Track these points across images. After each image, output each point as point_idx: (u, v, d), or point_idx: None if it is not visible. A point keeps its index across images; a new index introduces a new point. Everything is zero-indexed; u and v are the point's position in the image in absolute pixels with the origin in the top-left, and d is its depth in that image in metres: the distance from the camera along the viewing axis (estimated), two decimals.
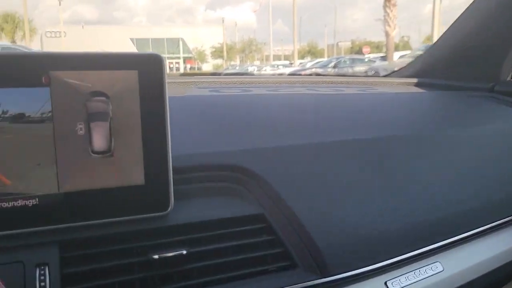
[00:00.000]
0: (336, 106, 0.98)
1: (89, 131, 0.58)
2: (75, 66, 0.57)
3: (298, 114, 0.85)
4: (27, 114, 0.55)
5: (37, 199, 0.56)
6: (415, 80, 1.40)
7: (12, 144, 0.55)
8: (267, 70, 26.93)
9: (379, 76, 1.98)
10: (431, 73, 1.44)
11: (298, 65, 27.07)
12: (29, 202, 0.56)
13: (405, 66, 1.59)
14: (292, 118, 0.83)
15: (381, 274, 0.69)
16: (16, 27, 43.96)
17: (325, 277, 0.64)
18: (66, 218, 0.58)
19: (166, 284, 0.60)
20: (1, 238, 0.55)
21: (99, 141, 0.58)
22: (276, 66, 28.97)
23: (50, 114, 0.56)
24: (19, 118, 0.55)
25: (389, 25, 18.32)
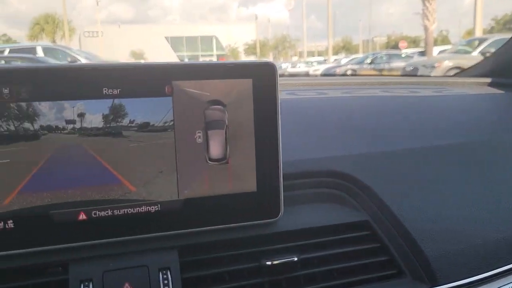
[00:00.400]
0: (421, 109, 0.96)
1: (206, 139, 0.59)
2: (195, 76, 0.58)
3: (388, 117, 0.84)
4: (151, 123, 0.57)
5: (159, 205, 0.58)
6: (488, 79, 1.36)
7: (137, 152, 0.57)
8: (301, 67, 26.77)
9: (449, 76, 1.93)
10: (504, 72, 1.39)
11: (333, 62, 26.77)
12: (152, 208, 0.58)
13: (473, 66, 1.54)
14: (385, 122, 0.82)
15: (487, 283, 0.67)
16: (56, 27, 45.41)
17: (434, 287, 0.63)
18: (184, 224, 0.59)
19: None
20: (127, 243, 0.57)
21: (216, 149, 0.59)
22: (310, 62, 28.73)
23: (172, 123, 0.57)
24: (144, 127, 0.57)
25: (427, 19, 17.84)
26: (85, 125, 0.55)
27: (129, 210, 0.57)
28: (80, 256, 0.56)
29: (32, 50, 11.47)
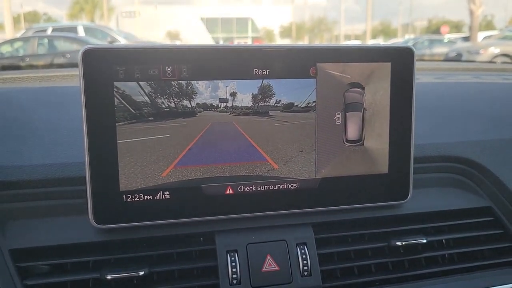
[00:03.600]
0: None
1: (345, 121, 0.60)
2: (337, 59, 0.59)
3: (501, 104, 0.83)
4: (295, 104, 0.59)
5: (298, 183, 0.60)
6: None
7: (281, 132, 0.59)
8: None
9: None
10: None
11: None
12: (291, 186, 0.60)
13: None
14: (500, 108, 0.81)
15: None
16: (95, 7, 46.14)
17: None
18: (320, 202, 0.61)
19: (401, 271, 0.63)
20: (267, 218, 0.60)
21: (353, 130, 0.61)
22: None
23: (314, 103, 0.59)
24: (289, 107, 0.59)
25: (474, 3, 17.12)
26: (236, 104, 0.57)
27: (271, 187, 0.59)
28: (226, 228, 0.59)
29: (74, 29, 11.70)
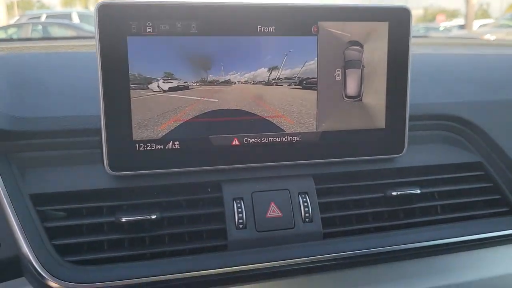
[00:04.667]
0: None
1: (344, 77, 0.64)
2: (338, 17, 0.62)
3: (495, 71, 0.86)
4: (297, 60, 0.62)
5: (299, 136, 0.64)
6: None
7: (284, 87, 0.62)
8: None
9: None
10: None
11: None
12: (294, 138, 0.63)
13: None
14: (494, 75, 0.84)
15: None
16: None
17: None
18: (320, 154, 0.65)
19: (395, 220, 0.67)
20: (271, 168, 0.64)
21: (352, 86, 0.64)
22: None
23: (315, 60, 0.62)
24: (291, 64, 0.62)
25: None
26: (240, 62, 0.60)
27: (274, 139, 0.63)
28: (232, 177, 0.62)
29: (68, 16, 11.57)
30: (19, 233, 0.54)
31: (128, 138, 0.58)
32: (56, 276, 0.53)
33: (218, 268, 0.57)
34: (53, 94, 0.64)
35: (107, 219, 0.58)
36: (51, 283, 0.53)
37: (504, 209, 0.70)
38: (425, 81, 0.78)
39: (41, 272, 0.53)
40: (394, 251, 0.63)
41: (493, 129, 0.72)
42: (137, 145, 0.59)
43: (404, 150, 0.67)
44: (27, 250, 0.54)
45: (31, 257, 0.54)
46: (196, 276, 0.57)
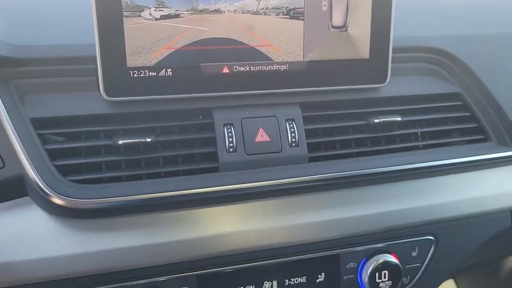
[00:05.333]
0: None
1: (330, 8, 0.66)
2: None
3: (478, 6, 0.88)
4: None
5: (287, 65, 0.66)
6: None
7: (273, 18, 0.64)
8: None
9: None
10: None
11: None
12: (281, 67, 0.66)
13: None
14: (477, 10, 0.86)
15: None
16: None
17: None
18: (307, 83, 0.68)
19: (377, 146, 0.71)
20: (259, 96, 0.67)
21: (338, 17, 0.67)
22: None
23: None
24: None
25: None
26: None
27: (263, 68, 0.65)
28: (222, 104, 0.66)
29: None
30: (22, 154, 0.58)
31: (122, 65, 0.61)
32: (59, 193, 0.57)
33: (210, 187, 0.62)
34: (50, 24, 0.66)
35: (104, 142, 0.62)
36: (55, 200, 0.57)
37: (479, 137, 0.75)
38: (409, 14, 0.80)
39: (45, 190, 0.57)
40: (375, 173, 0.67)
41: (473, 62, 0.76)
42: (131, 72, 0.61)
43: (387, 80, 0.70)
44: (31, 170, 0.58)
45: (35, 176, 0.57)
46: (190, 194, 0.61)
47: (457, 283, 1.71)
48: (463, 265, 1.20)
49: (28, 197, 0.61)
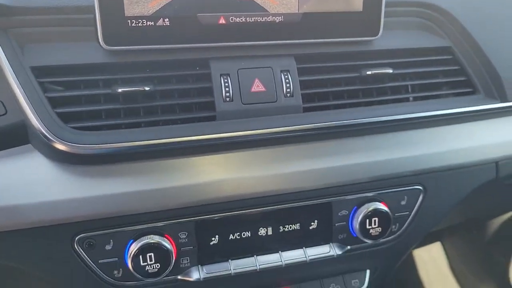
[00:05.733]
0: None
1: None
2: None
3: None
4: None
5: (282, 16, 0.68)
6: None
7: None
8: None
9: None
10: None
11: None
12: (277, 18, 0.67)
13: None
14: None
15: None
16: None
17: (504, 102, 0.75)
18: (302, 35, 0.69)
19: (369, 97, 0.73)
20: (255, 48, 0.68)
21: None
22: None
23: None
24: None
25: None
26: None
27: (259, 19, 0.67)
28: (219, 55, 0.67)
29: None
30: (24, 101, 0.59)
31: (120, 14, 0.62)
32: (62, 139, 0.59)
33: (207, 135, 0.63)
34: None
35: (103, 91, 0.63)
36: (57, 145, 0.59)
37: (468, 90, 0.77)
38: None
39: (48, 136, 0.59)
40: (366, 123, 0.69)
41: (464, 16, 0.77)
42: (129, 21, 0.62)
43: (379, 33, 0.72)
44: (33, 116, 0.59)
45: (37, 123, 0.59)
46: (188, 141, 0.63)
47: (444, 246, 1.78)
48: (451, 223, 1.24)
49: (30, 144, 0.62)
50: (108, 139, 0.61)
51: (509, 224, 1.56)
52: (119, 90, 0.62)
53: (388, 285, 0.95)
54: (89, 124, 0.62)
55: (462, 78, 0.77)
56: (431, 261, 1.76)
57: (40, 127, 0.59)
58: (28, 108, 0.59)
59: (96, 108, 0.63)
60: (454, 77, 0.77)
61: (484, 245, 1.66)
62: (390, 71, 0.72)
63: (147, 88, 0.63)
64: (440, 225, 1.34)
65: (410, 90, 0.75)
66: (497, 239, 1.61)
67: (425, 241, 1.74)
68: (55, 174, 0.61)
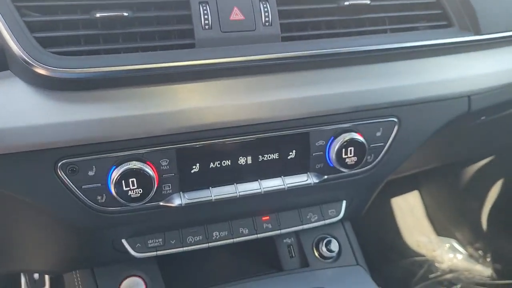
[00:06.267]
0: None
1: None
2: None
3: None
4: None
5: None
6: None
7: None
8: None
9: None
10: None
11: None
12: None
13: None
14: None
15: None
16: None
17: (478, 35, 0.77)
18: None
19: (346, 28, 0.74)
20: None
21: None
22: None
23: None
24: None
25: None
26: None
27: None
28: None
29: None
30: (1, 26, 0.59)
31: None
32: (42, 63, 0.59)
33: (187, 61, 0.64)
34: None
35: (82, 16, 0.63)
36: (37, 70, 0.59)
37: (443, 23, 0.79)
38: None
39: (28, 60, 0.59)
40: (344, 53, 0.71)
41: None
42: None
43: None
44: (11, 41, 0.59)
45: (16, 47, 0.59)
46: (167, 67, 0.64)
47: (421, 194, 1.84)
48: (428, 166, 1.29)
49: (9, 70, 0.62)
50: (88, 64, 0.61)
51: (483, 172, 1.62)
52: (97, 15, 0.62)
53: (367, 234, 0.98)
54: (69, 49, 0.62)
55: (438, 11, 0.78)
56: (409, 209, 1.82)
57: (20, 51, 0.59)
58: (5, 32, 0.59)
59: (75, 33, 0.63)
60: (430, 10, 0.78)
61: (459, 192, 1.73)
62: (368, 2, 0.73)
63: (125, 14, 0.63)
64: (418, 169, 1.39)
65: (387, 22, 0.76)
66: (471, 186, 1.67)
67: (403, 189, 1.80)
68: (35, 99, 0.61)
